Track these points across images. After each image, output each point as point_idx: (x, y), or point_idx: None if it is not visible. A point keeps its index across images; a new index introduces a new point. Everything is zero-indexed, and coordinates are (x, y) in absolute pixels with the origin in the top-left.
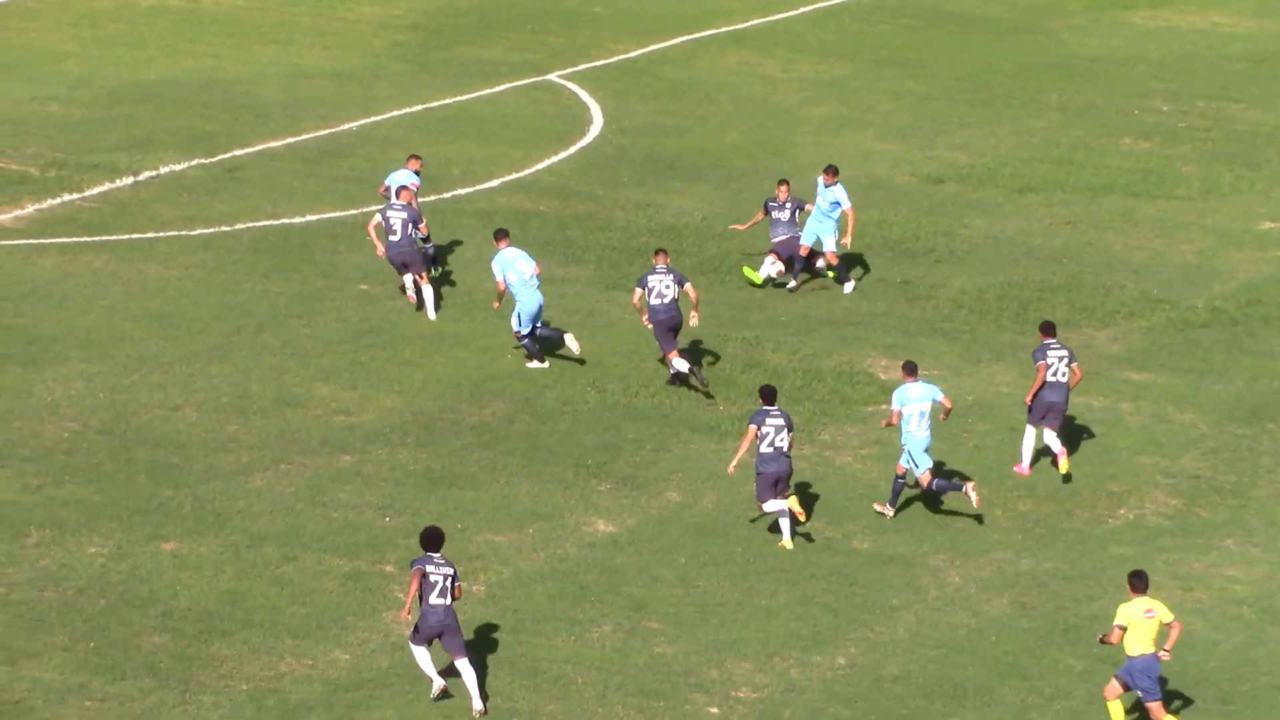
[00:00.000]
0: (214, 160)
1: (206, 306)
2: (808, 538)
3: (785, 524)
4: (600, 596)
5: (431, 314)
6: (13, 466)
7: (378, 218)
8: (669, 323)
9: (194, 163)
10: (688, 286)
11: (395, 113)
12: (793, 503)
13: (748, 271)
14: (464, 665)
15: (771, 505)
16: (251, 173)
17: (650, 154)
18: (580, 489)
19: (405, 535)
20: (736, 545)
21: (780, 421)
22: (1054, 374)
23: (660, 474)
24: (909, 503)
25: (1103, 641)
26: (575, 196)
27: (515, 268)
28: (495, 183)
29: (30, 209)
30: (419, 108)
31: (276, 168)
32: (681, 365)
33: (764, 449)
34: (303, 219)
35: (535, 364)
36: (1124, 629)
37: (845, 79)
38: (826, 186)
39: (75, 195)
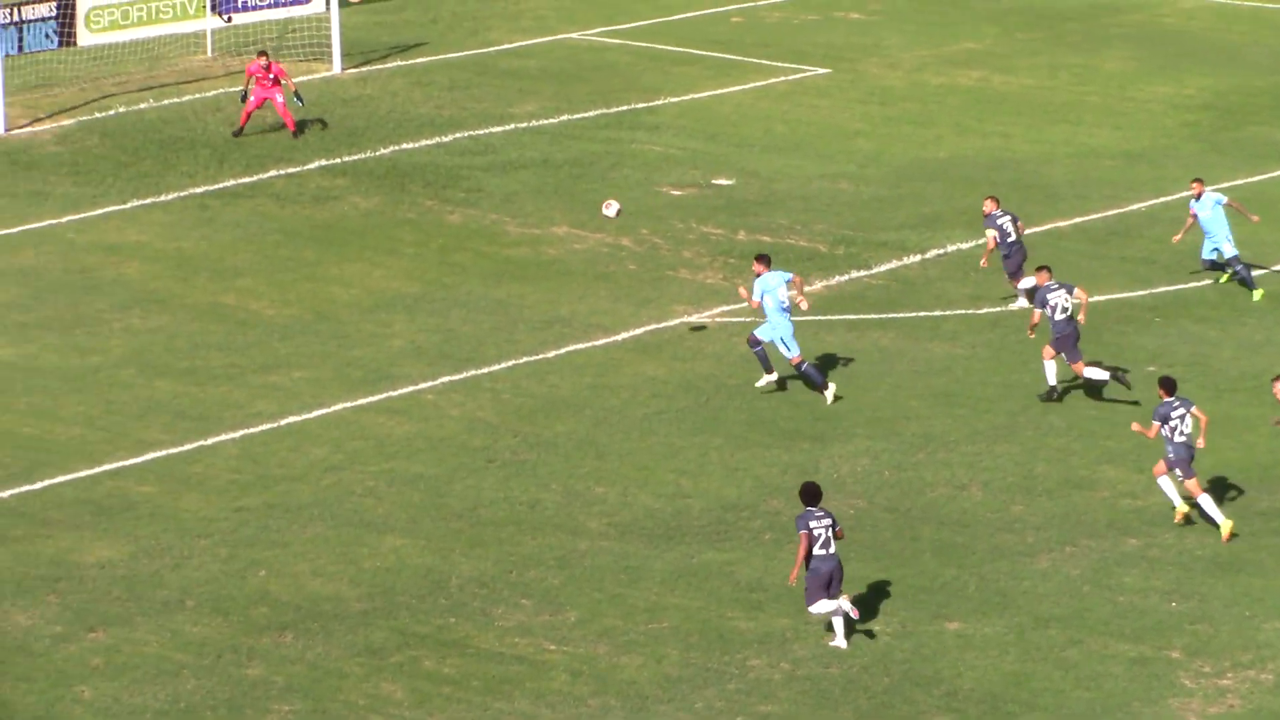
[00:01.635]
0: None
1: (993, 385)
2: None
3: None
4: None
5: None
6: None
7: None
8: (1073, 336)
9: (980, 242)
10: (1077, 291)
11: (1185, 194)
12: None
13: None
14: (844, 601)
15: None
16: (1039, 251)
17: None
18: None
19: (1192, 621)
20: None
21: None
22: None
23: None
24: None
25: None
26: None
27: (775, 293)
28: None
29: (819, 285)
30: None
31: (1063, 247)
32: (1099, 374)
33: (818, 550)
34: (1091, 299)
35: (766, 379)
36: None
37: None
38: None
39: (863, 272)
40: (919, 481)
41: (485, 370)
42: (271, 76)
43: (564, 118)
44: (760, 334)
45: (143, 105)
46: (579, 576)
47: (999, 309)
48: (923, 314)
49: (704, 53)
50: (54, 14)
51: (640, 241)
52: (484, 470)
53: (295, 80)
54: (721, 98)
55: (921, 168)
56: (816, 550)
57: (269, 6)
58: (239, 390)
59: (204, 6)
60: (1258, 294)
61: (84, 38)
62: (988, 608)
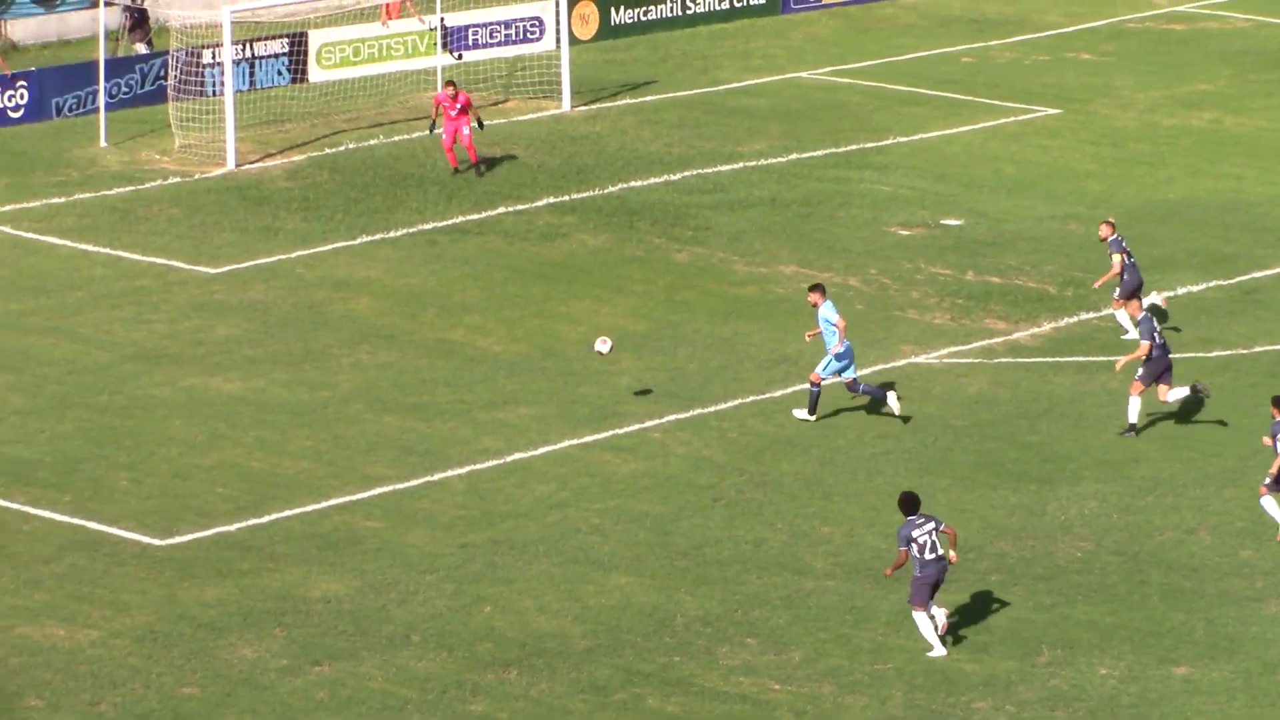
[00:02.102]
0: (1232, 282)
1: (1222, 429)
2: None
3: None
4: None
5: None
6: (1026, 584)
7: None
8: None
9: (1211, 284)
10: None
11: None
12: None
13: None
14: (937, 609)
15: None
16: (1271, 295)
17: None
18: None
19: None
20: None
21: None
22: None
23: None
24: None
25: None
26: None
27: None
28: None
29: (1047, 327)
30: None
31: None
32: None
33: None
34: None
35: (802, 413)
36: None
37: None
38: None
39: (1092, 314)
40: (1147, 525)
41: (712, 409)
42: (459, 106)
43: (793, 156)
44: (823, 372)
45: (373, 141)
46: (804, 616)
47: (1229, 352)
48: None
49: (934, 93)
50: (286, 50)
51: (868, 281)
52: (710, 509)
53: (526, 117)
54: (951, 138)
55: (1152, 209)
56: (926, 556)
57: (499, 44)
58: (466, 426)
59: (434, 44)
60: None
61: (315, 74)
62: (1215, 653)
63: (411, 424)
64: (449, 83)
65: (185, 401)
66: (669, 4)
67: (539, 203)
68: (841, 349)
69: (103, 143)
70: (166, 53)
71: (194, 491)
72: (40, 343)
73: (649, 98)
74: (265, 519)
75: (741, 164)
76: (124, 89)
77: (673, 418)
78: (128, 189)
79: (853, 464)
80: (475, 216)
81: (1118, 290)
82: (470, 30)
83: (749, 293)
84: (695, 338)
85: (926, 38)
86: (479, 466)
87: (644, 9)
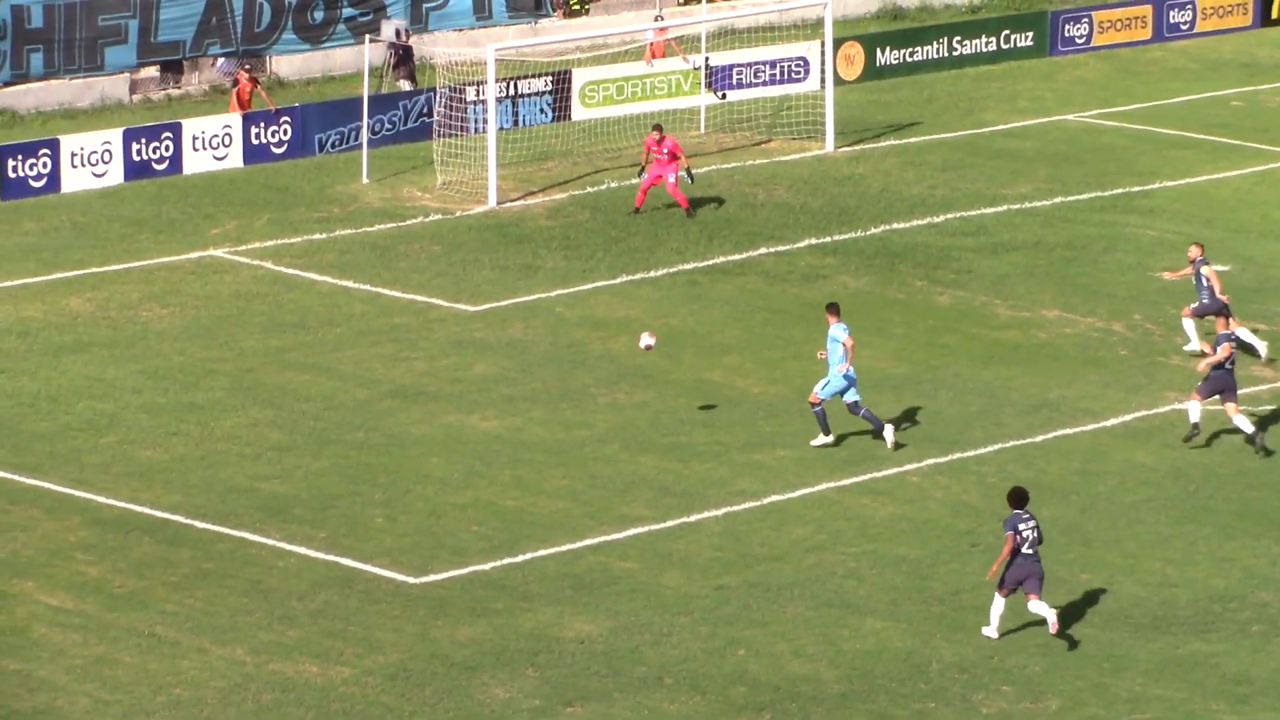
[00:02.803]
0: None
1: None
2: None
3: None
4: None
5: None
6: None
7: None
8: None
9: None
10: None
11: None
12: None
13: None
14: (1038, 604)
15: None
16: None
17: None
18: None
19: None
20: None
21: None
22: None
23: None
24: None
25: None
26: None
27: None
28: None
29: None
30: None
31: None
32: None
33: (1025, 550)
34: None
35: (821, 439)
36: None
37: None
38: None
39: None
40: None
41: (971, 453)
42: (665, 152)
43: (1057, 200)
44: (821, 393)
45: (633, 180)
46: (1061, 664)
47: None
48: None
49: (1202, 136)
50: (549, 89)
51: (1132, 327)
52: (968, 554)
53: (789, 157)
54: (1219, 182)
55: None
56: (1024, 550)
57: (764, 84)
58: (723, 468)
59: (699, 83)
60: None
61: (578, 112)
62: None
63: (668, 464)
64: (656, 126)
65: (442, 439)
66: (935, 45)
67: (800, 244)
68: (849, 369)
69: (364, 179)
70: (430, 90)
71: (449, 530)
72: (298, 379)
73: (913, 139)
74: (520, 558)
75: (1005, 206)
76: (387, 126)
77: (931, 462)
78: (389, 225)
79: (1113, 511)
80: (736, 257)
81: (1194, 306)
82: (735, 70)
83: (1011, 337)
84: (956, 381)
85: (1196, 81)
86: (735, 508)
87: (910, 49)
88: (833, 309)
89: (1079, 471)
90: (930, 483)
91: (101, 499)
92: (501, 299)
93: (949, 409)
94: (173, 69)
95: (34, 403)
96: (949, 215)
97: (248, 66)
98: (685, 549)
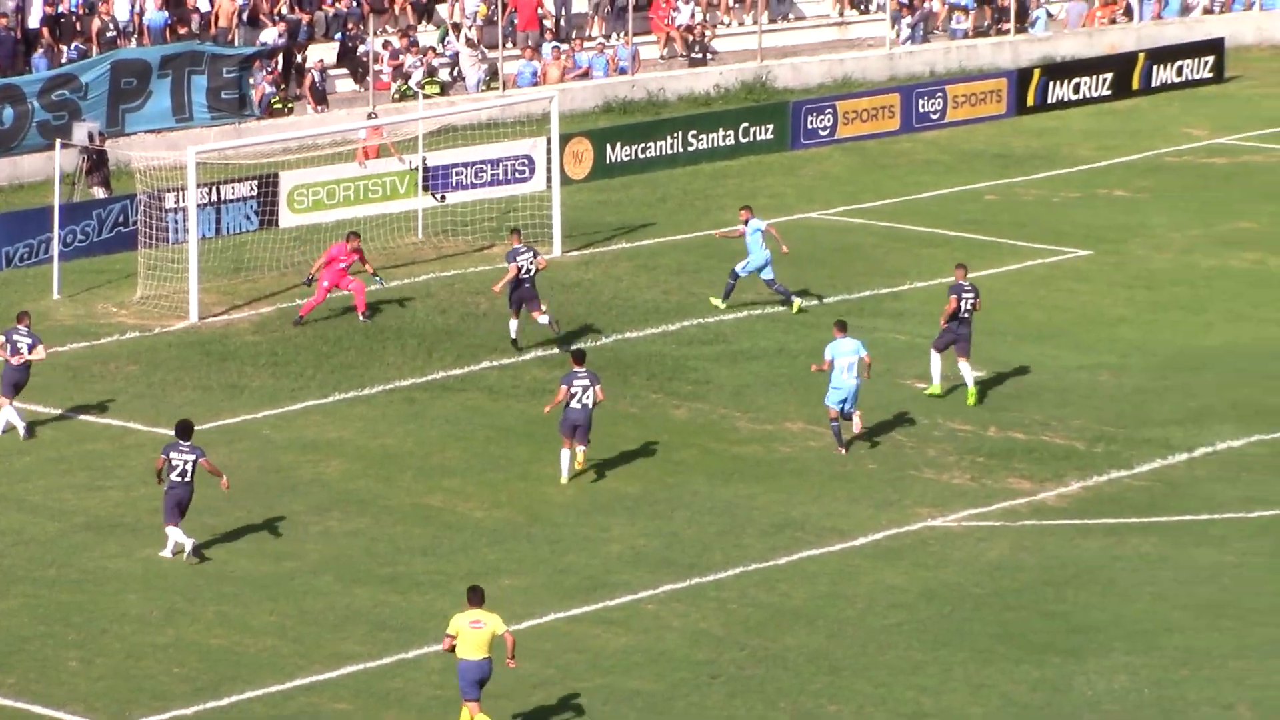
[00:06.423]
0: (1275, 436)
1: (1265, 595)
2: None
3: None
4: None
5: None
6: None
7: None
8: None
9: (1254, 439)
10: None
11: None
12: None
13: None
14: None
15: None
16: None
17: None
18: None
19: None
20: None
21: (586, 381)
22: None
23: None
24: None
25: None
26: None
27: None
28: None
29: (1075, 486)
30: None
31: None
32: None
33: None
34: None
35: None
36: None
37: None
38: None
39: (1124, 472)
40: (1181, 701)
41: (710, 578)
42: (356, 259)
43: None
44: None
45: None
46: None
47: (1272, 513)
48: (1189, 517)
49: (954, 233)
50: (254, 193)
51: (880, 439)
52: (708, 686)
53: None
54: (972, 282)
55: (1190, 357)
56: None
57: (486, 184)
58: (444, 599)
59: (415, 185)
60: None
61: (286, 218)
62: None
63: (385, 596)
64: (352, 234)
65: (140, 574)
66: (668, 140)
67: (526, 356)
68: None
69: (56, 294)
70: (126, 197)
71: (148, 672)
72: None
73: (646, 241)
74: (225, 700)
75: (745, 313)
76: (80, 236)
77: (668, 588)
78: (82, 344)
79: (862, 636)
80: (457, 372)
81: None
82: (454, 170)
83: (752, 451)
84: (694, 500)
85: (947, 174)
86: None
87: (642, 145)
88: (840, 325)
89: (826, 594)
90: (667, 610)
91: None
92: (205, 421)
93: (686, 530)
94: None
95: None
96: (685, 322)
97: None
98: (403, 688)
